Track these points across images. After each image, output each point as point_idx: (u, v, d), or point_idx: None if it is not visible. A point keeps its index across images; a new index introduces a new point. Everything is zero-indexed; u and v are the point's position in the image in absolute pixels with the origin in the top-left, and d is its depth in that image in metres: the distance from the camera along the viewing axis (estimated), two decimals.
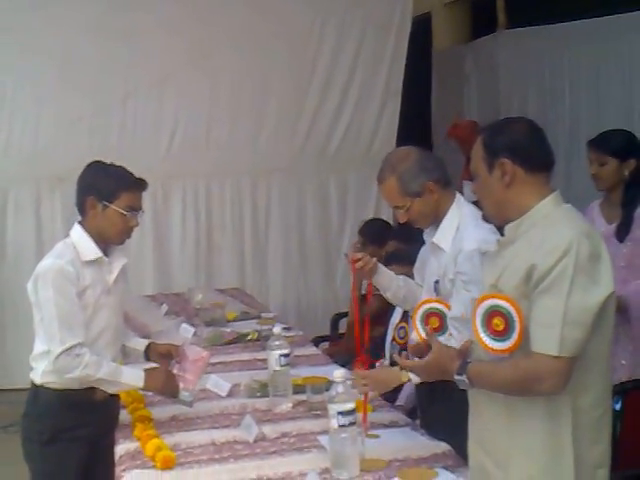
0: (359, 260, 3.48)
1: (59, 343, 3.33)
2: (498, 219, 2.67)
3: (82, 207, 3.54)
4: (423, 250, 3.60)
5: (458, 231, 3.32)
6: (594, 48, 7.47)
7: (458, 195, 3.44)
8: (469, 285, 3.20)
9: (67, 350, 3.33)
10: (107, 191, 3.48)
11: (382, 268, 3.62)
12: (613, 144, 4.36)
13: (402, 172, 3.33)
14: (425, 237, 3.49)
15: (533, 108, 8.24)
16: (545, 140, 2.62)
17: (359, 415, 3.26)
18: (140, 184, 3.56)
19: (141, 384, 3.47)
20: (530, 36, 8.49)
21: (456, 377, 2.53)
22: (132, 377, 3.47)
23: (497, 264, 2.58)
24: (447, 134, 8.16)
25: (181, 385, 3.54)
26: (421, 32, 9.33)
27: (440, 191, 3.36)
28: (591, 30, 7.55)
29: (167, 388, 3.51)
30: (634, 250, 4.27)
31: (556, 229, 2.45)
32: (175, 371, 3.62)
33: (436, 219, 3.38)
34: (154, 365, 3.69)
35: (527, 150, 2.55)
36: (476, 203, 3.19)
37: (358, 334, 3.40)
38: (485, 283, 2.61)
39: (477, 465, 2.64)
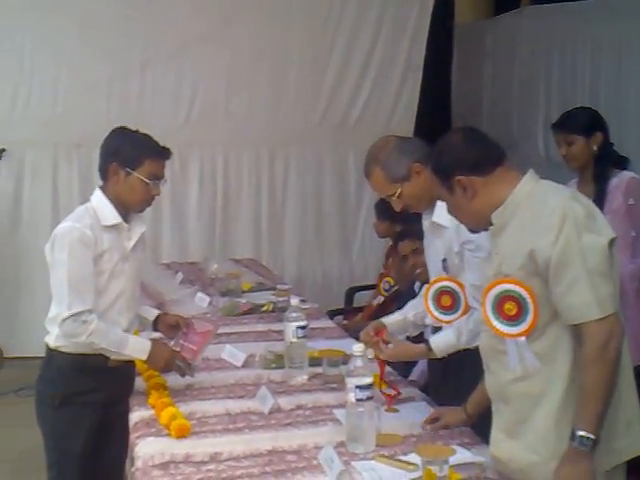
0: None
1: (67, 307, 3.32)
2: (483, 226, 2.65)
3: (105, 172, 3.50)
4: (426, 243, 3.57)
5: None
6: (617, 25, 7.37)
7: None
8: (478, 252, 3.18)
9: (74, 315, 3.31)
10: (131, 158, 3.44)
11: (389, 325, 3.55)
12: (576, 122, 4.39)
13: (384, 160, 3.35)
14: (424, 221, 3.47)
15: (554, 86, 8.18)
16: (484, 139, 2.66)
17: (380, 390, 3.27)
18: (164, 153, 3.53)
19: (144, 358, 3.46)
20: (553, 13, 8.40)
21: (583, 439, 2.34)
22: (137, 350, 3.45)
23: (493, 255, 2.58)
24: None
25: (187, 356, 3.55)
26: (443, 7, 9.23)
27: (427, 170, 3.34)
28: (614, 7, 7.46)
29: (168, 366, 3.50)
30: (613, 223, 4.23)
31: (544, 203, 2.46)
32: (180, 341, 3.62)
33: (431, 200, 3.34)
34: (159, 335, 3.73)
35: (472, 158, 2.58)
36: None
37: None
38: (488, 277, 2.59)
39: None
